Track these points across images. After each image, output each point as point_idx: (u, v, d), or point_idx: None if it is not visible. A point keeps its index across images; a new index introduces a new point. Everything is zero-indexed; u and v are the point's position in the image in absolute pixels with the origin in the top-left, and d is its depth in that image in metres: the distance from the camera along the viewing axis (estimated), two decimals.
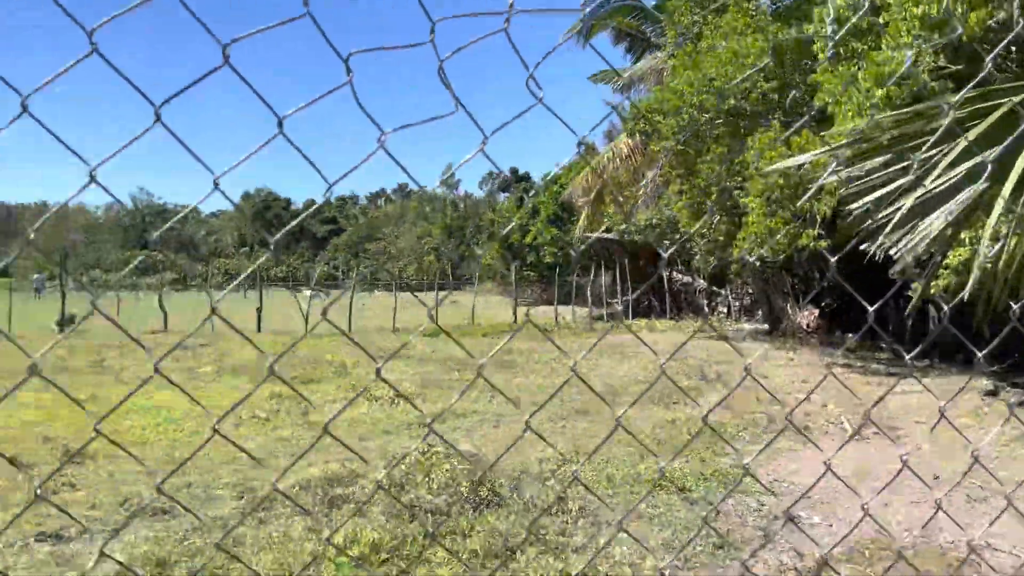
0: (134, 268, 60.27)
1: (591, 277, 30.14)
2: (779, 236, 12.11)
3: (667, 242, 24.26)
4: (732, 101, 13.96)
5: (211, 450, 7.84)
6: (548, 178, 35.87)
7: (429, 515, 5.60)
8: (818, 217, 11.87)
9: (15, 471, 7.09)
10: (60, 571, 4.73)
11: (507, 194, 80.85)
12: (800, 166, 11.32)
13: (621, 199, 23.49)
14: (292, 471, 6.91)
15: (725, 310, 27.27)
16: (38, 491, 1.42)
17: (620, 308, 28.52)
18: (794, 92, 13.59)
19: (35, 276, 60.30)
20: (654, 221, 24.35)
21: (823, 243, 11.96)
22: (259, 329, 24.27)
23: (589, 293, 29.99)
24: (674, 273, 27.74)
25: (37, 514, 5.85)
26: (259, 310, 24.80)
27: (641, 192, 23.33)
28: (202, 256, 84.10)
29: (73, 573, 4.71)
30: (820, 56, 11.36)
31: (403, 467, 6.91)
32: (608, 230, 27.27)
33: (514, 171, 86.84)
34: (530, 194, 44.75)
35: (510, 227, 45.53)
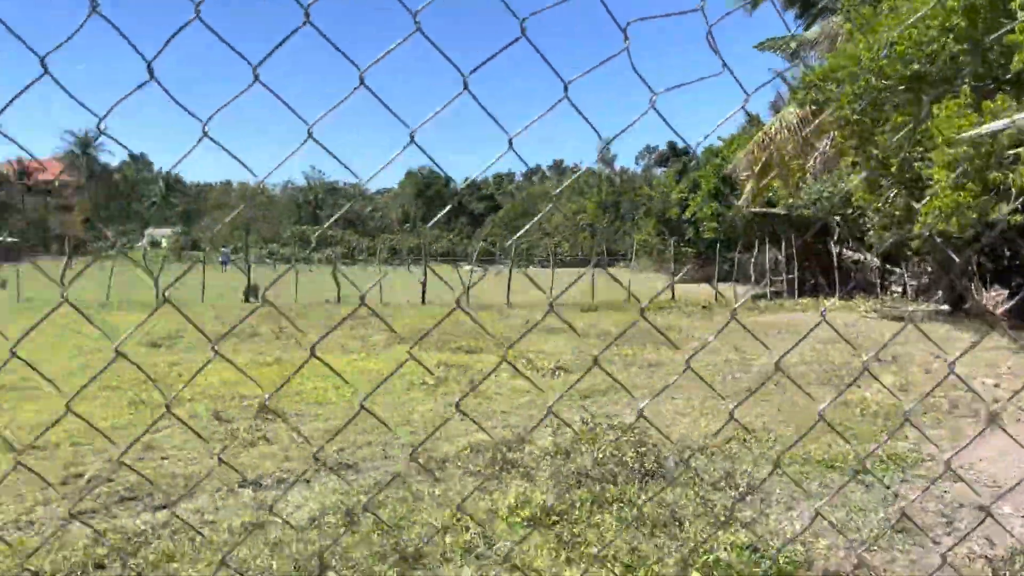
0: (305, 243, 63.88)
1: (754, 253, 29.15)
2: (968, 210, 11.24)
3: (838, 217, 23.06)
4: (916, 66, 13.02)
5: (389, 413, 8.33)
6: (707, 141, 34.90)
7: (595, 482, 5.71)
8: (1013, 189, 10.92)
9: (218, 424, 7.84)
10: (260, 514, 5.21)
11: (664, 168, 79.40)
12: (994, 134, 10.46)
13: (787, 172, 22.52)
14: (463, 435, 7.23)
15: (900, 289, 25.63)
16: (215, 456, 1.61)
17: (784, 286, 27.44)
18: (988, 54, 12.50)
19: (222, 250, 65.33)
20: (824, 194, 23.19)
21: (1019, 217, 11.01)
22: (423, 301, 25.29)
23: (752, 270, 29.06)
24: (844, 250, 26.30)
25: (240, 464, 6.46)
26: (423, 283, 25.78)
27: (810, 164, 22.27)
28: (368, 231, 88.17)
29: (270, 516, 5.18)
30: (1021, 14, 10.39)
31: (568, 436, 7.06)
32: (773, 204, 26.25)
33: (672, 145, 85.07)
34: (690, 164, 43.58)
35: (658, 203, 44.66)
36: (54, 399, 8.45)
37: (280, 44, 1.66)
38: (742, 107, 1.99)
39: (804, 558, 4.46)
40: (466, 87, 1.73)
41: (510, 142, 1.81)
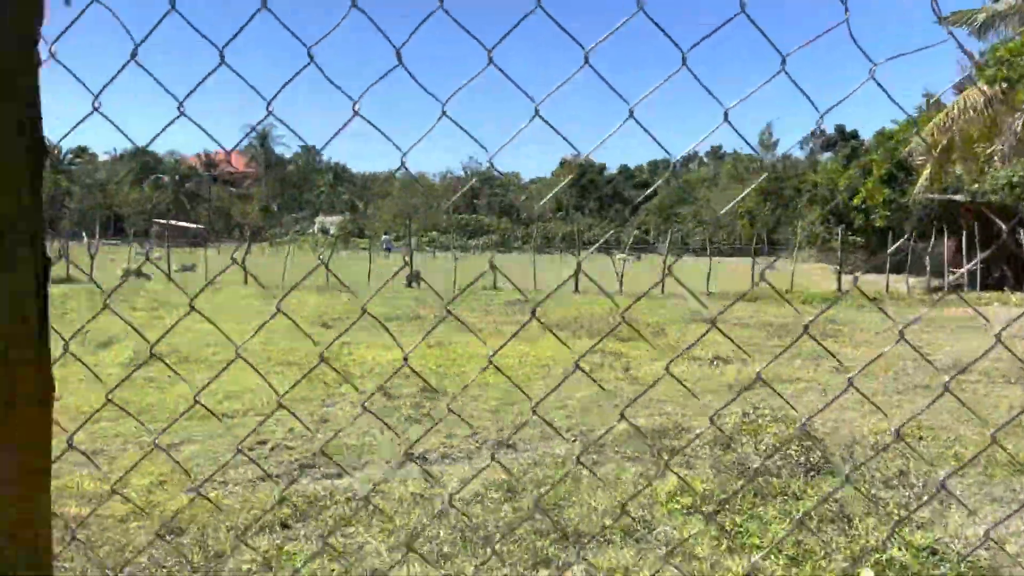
0: (463, 230, 65.54)
1: (930, 243, 27.20)
2: None
3: None
4: None
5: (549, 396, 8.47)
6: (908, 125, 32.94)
7: (757, 474, 5.58)
8: None
9: (386, 400, 8.26)
10: (427, 486, 5.47)
11: (831, 153, 75.43)
12: None
13: (972, 155, 20.84)
14: (621, 421, 7.25)
15: None
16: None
17: (964, 278, 25.44)
18: None
19: (384, 237, 68.16)
20: (1015, 179, 21.28)
21: None
22: (576, 289, 25.39)
23: (928, 261, 27.15)
24: None
25: (405, 439, 6.79)
26: (576, 272, 25.87)
27: (997, 147, 20.50)
28: (523, 220, 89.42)
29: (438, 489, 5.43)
30: None
31: (728, 426, 6.92)
32: (954, 191, 24.39)
33: (840, 129, 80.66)
34: (861, 148, 41.19)
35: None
36: (237, 371, 9.17)
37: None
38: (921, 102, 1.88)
39: (988, 564, 4.18)
40: (684, 63, 1.72)
41: (726, 114, 1.79)
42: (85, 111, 1.52)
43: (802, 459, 5.84)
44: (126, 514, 4.83)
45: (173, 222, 67.76)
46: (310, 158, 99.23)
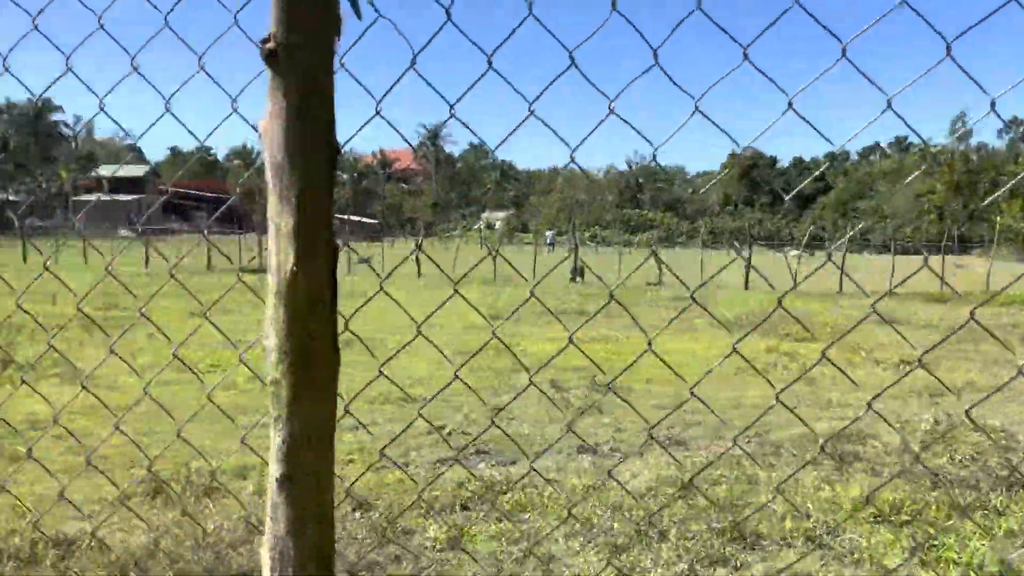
0: (626, 226, 65.10)
1: None
2: None
3: None
4: None
5: (718, 396, 8.33)
6: None
7: (951, 485, 5.22)
8: None
9: (555, 392, 8.40)
10: (601, 478, 5.52)
11: None
12: None
13: None
14: (796, 423, 6.99)
15: None
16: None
17: None
18: None
19: (547, 232, 68.82)
20: None
21: None
22: (746, 287, 24.63)
23: None
24: None
25: (578, 430, 6.88)
26: (747, 268, 25.09)
27: None
28: (688, 215, 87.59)
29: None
30: None
31: (917, 435, 6.52)
32: None
33: None
34: None
35: None
36: (420, 361, 9.60)
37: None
38: None
39: None
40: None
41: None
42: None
43: (1004, 472, 5.41)
44: None
45: (352, 217, 71.72)
46: (478, 156, 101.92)
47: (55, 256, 30.57)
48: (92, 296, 3.64)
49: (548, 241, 61.72)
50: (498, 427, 5.85)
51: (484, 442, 6.48)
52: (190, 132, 1.97)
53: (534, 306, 13.40)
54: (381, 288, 2.09)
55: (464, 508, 4.96)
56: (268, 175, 1.13)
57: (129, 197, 67.94)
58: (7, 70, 2.61)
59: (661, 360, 2.57)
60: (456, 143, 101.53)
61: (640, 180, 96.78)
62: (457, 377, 2.33)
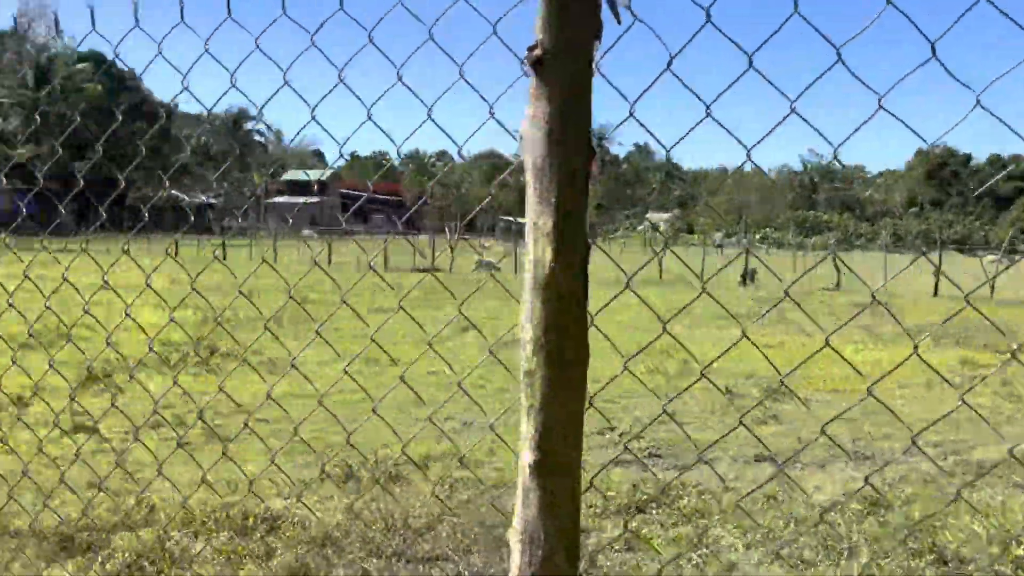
0: (801, 227, 62.32)
1: None
2: None
3: None
4: None
5: (909, 409, 7.84)
6: None
7: None
8: None
9: (728, 398, 8.18)
10: (780, 489, 5.32)
11: None
12: None
13: None
14: (1001, 442, 6.45)
15: None
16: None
17: None
18: None
19: (716, 234, 67.10)
20: None
21: None
22: (935, 293, 22.93)
23: None
24: None
25: (747, 438, 6.68)
26: (936, 274, 23.32)
27: None
28: (868, 216, 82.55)
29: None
30: None
31: None
32: None
33: None
34: None
35: None
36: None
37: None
38: None
39: None
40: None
41: None
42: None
43: None
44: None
45: (517, 219, 73.06)
46: (643, 156, 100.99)
47: (251, 253, 33.20)
48: (285, 290, 3.94)
49: (717, 243, 60.18)
50: (673, 419, 5.79)
51: (656, 445, 6.42)
52: (449, 138, 2.09)
53: (706, 309, 13.02)
54: (627, 286, 2.12)
55: (639, 511, 4.94)
56: (528, 177, 1.20)
57: (312, 199, 72.68)
58: (234, 85, 2.87)
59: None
60: (621, 144, 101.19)
61: (815, 179, 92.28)
62: (626, 368, 2.33)
